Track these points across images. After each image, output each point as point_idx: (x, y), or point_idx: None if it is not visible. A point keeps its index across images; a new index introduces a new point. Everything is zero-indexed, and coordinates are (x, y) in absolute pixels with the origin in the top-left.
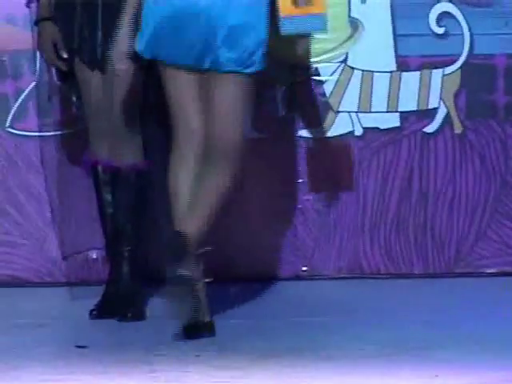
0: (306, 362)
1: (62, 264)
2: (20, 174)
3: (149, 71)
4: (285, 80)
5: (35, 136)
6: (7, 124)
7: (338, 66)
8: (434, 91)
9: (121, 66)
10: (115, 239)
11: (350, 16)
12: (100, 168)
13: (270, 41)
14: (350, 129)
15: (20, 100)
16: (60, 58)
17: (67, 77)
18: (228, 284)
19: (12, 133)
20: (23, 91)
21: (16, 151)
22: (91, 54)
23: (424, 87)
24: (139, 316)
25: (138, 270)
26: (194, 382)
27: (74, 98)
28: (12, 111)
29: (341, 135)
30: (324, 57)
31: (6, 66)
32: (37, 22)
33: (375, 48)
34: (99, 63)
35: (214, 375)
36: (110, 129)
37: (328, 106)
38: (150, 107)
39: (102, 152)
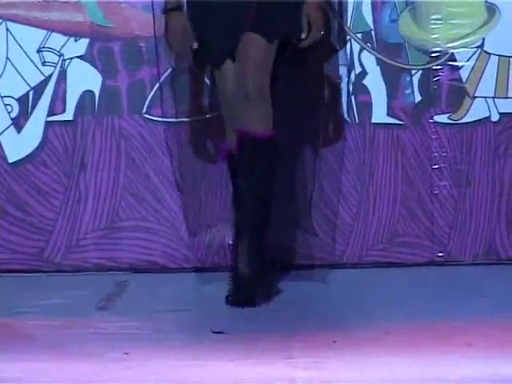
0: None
1: (197, 250)
2: (156, 160)
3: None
4: (420, 65)
5: (171, 122)
6: (144, 110)
7: (475, 52)
8: None
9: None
10: (245, 220)
11: (486, 1)
12: (235, 154)
13: (406, 27)
14: (487, 114)
15: (156, 86)
16: (190, 49)
17: (202, 64)
18: (363, 270)
19: (149, 119)
20: (160, 77)
21: (152, 137)
22: (222, 43)
23: None
24: (267, 298)
25: (269, 254)
26: (334, 368)
27: (209, 84)
28: (149, 97)
29: (477, 121)
30: (460, 42)
31: (143, 53)
32: (165, 11)
33: None
34: (230, 52)
35: (351, 361)
36: (244, 106)
37: (464, 92)
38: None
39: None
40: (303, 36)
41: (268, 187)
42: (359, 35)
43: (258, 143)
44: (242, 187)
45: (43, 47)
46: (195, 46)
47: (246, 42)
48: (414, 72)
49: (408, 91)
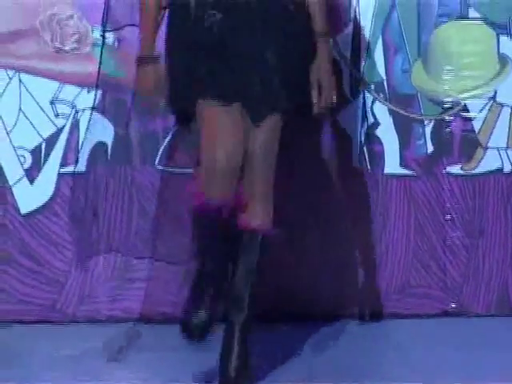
0: None
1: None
2: (169, 209)
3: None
4: (433, 116)
5: (181, 173)
6: (156, 160)
7: (487, 103)
8: None
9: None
10: (237, 314)
11: (498, 52)
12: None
13: (419, 78)
14: (499, 165)
15: (168, 137)
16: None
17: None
18: (378, 322)
19: (161, 169)
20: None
21: (164, 187)
22: (222, 86)
23: None
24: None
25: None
26: None
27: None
28: (161, 148)
29: (489, 171)
30: (472, 93)
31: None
32: (139, 61)
33: None
34: (233, 96)
35: None
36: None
37: (476, 143)
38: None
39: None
40: (314, 100)
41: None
42: (372, 86)
43: (260, 238)
44: (235, 275)
45: (56, 99)
46: (162, 102)
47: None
48: (426, 122)
49: (420, 142)
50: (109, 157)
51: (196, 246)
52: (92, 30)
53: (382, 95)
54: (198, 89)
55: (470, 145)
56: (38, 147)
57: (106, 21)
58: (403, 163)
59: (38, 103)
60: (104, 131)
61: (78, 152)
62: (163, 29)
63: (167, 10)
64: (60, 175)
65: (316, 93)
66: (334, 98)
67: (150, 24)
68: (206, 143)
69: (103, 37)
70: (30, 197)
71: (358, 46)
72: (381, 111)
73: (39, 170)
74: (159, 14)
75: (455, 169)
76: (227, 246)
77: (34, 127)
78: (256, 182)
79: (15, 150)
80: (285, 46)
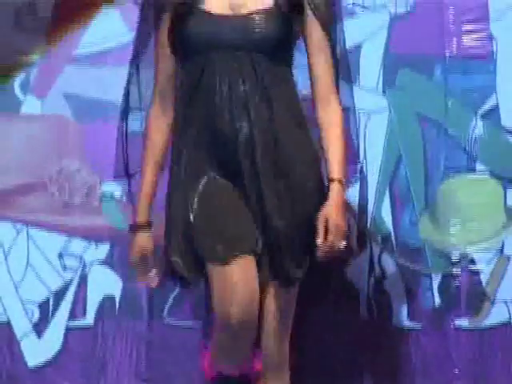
0: None
1: None
2: (179, 364)
3: None
4: (440, 269)
5: (189, 327)
6: (165, 314)
7: (494, 255)
8: None
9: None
10: None
11: (505, 205)
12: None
13: (426, 231)
14: (507, 318)
15: (176, 291)
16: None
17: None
18: None
19: (170, 323)
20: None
21: (174, 342)
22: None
23: None
24: None
25: None
26: None
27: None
28: (169, 302)
29: (497, 325)
30: (480, 246)
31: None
32: (132, 228)
33: None
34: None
35: None
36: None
37: (484, 296)
38: None
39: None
40: (319, 242)
41: None
42: (379, 238)
43: None
44: None
45: (64, 252)
46: (153, 273)
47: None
48: (433, 276)
49: (428, 295)
50: (117, 311)
51: None
52: (100, 184)
53: (389, 247)
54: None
55: (478, 298)
56: (46, 301)
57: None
58: (411, 316)
59: (45, 256)
60: (112, 285)
61: (86, 305)
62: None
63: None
64: (68, 329)
65: (322, 235)
66: (342, 244)
67: (150, 172)
68: (217, 300)
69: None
70: (38, 350)
71: (365, 198)
72: (388, 263)
73: (47, 323)
74: (164, 155)
75: (463, 322)
76: None
77: (41, 281)
78: (270, 350)
79: (23, 304)
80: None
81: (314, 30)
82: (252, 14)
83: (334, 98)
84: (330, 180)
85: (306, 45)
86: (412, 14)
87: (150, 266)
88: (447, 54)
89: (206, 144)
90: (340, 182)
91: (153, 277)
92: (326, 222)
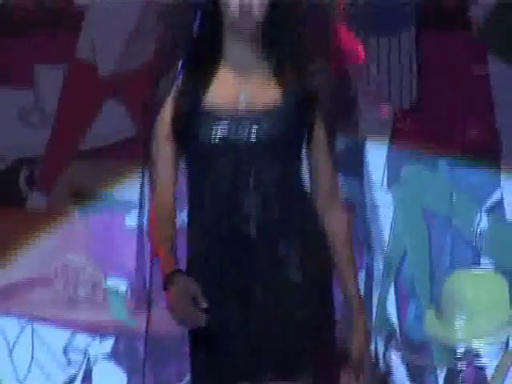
0: None
1: None
2: None
3: None
4: (446, 364)
5: None
6: None
7: (500, 350)
8: None
9: None
10: None
11: (510, 298)
12: None
13: (431, 325)
14: None
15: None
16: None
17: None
18: None
19: None
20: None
21: None
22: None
23: None
24: None
25: None
26: None
27: None
28: None
29: None
30: (485, 340)
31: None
32: (165, 283)
33: None
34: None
35: None
36: None
37: None
38: None
39: None
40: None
41: None
42: (384, 332)
43: None
44: None
45: (68, 347)
46: (205, 304)
47: None
48: (439, 370)
49: None
50: None
51: None
52: (105, 278)
53: (394, 342)
54: None
55: None
56: None
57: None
58: None
59: (50, 351)
60: (117, 379)
61: None
62: None
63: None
64: None
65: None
66: (360, 379)
67: (166, 233)
68: None
69: None
70: None
71: (370, 293)
72: (394, 358)
73: None
74: (175, 216)
75: None
76: None
77: (46, 376)
78: None
79: None
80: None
81: (319, 128)
82: (260, 110)
83: (338, 203)
84: (349, 300)
85: (307, 140)
86: (416, 108)
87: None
88: (452, 149)
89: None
90: (360, 302)
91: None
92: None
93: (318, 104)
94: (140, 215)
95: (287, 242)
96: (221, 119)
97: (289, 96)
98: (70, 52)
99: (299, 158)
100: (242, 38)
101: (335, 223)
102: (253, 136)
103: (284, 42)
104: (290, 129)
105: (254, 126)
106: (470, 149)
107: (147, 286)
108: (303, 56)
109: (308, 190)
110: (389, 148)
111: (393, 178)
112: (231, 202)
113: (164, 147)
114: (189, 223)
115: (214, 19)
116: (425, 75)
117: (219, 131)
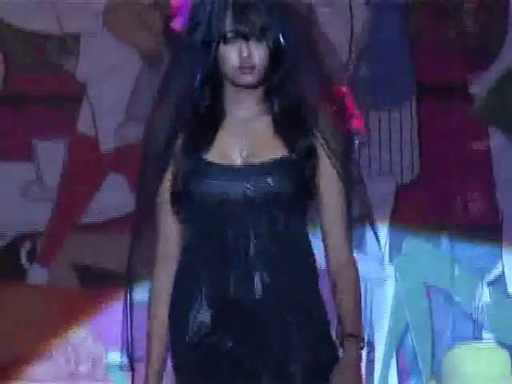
0: None
1: None
2: None
3: None
4: None
5: None
6: None
7: None
8: None
9: None
10: None
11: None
12: None
13: None
14: None
15: None
16: None
17: None
18: None
19: None
20: None
21: None
22: None
23: None
24: None
25: None
26: None
27: None
28: None
29: None
30: None
31: None
32: None
33: None
34: None
35: None
36: None
37: None
38: None
39: None
40: None
41: None
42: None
43: None
44: None
45: None
46: None
47: None
48: None
49: None
50: None
51: None
52: (106, 353)
53: None
54: None
55: None
56: None
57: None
58: None
59: None
60: None
61: None
62: None
63: None
64: None
65: None
66: None
67: (155, 351)
68: None
69: None
70: None
71: (372, 366)
72: None
73: None
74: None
75: None
76: None
77: None
78: None
79: None
80: None
81: (328, 174)
82: (264, 164)
83: (349, 259)
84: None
85: (317, 189)
86: (417, 181)
87: None
88: (453, 222)
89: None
90: (358, 336)
91: None
92: None
93: (324, 155)
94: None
95: (291, 307)
96: (221, 174)
97: (292, 148)
98: (71, 126)
99: (304, 215)
100: (242, 93)
101: (346, 281)
102: (258, 190)
103: (286, 93)
104: (297, 181)
105: (260, 179)
106: (471, 222)
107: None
108: (306, 108)
109: (312, 249)
110: (390, 221)
111: (394, 252)
112: (231, 265)
113: (166, 221)
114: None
115: (213, 77)
116: (425, 149)
117: (222, 185)
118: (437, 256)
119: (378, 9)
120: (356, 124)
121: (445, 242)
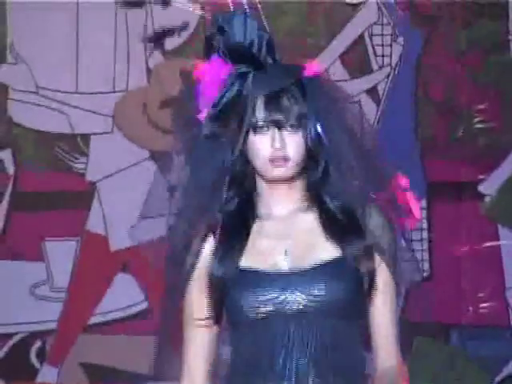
0: None
1: None
2: None
3: None
4: None
5: None
6: None
7: None
8: None
9: None
10: None
11: None
12: None
13: None
14: None
15: None
16: None
17: None
18: None
19: None
20: None
21: None
22: None
23: None
24: None
25: None
26: None
27: None
28: None
29: None
30: None
31: None
32: None
33: None
34: None
35: None
36: None
37: None
38: None
39: None
40: None
41: None
42: None
43: None
44: None
45: None
46: None
47: None
48: None
49: None
50: None
51: None
52: None
53: None
54: None
55: None
56: None
57: None
58: None
59: None
60: None
61: None
62: None
63: None
64: None
65: None
66: None
67: None
68: None
69: None
70: None
71: None
72: None
73: None
74: None
75: None
76: None
77: None
78: None
79: None
80: None
81: (380, 272)
82: (313, 268)
83: (396, 363)
84: None
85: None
86: (428, 281)
87: None
88: (463, 321)
89: None
90: None
91: None
92: None
93: (377, 253)
94: None
95: None
96: (263, 282)
97: (343, 248)
98: (81, 226)
99: (360, 319)
100: (278, 188)
101: None
102: (307, 299)
103: (330, 187)
104: (351, 287)
105: (309, 287)
106: (481, 321)
107: None
108: (355, 201)
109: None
110: (400, 317)
111: (404, 350)
112: (283, 374)
113: (195, 335)
114: None
115: (242, 172)
116: (436, 247)
117: (267, 295)
118: (447, 355)
119: (387, 109)
120: (412, 224)
121: (455, 340)
